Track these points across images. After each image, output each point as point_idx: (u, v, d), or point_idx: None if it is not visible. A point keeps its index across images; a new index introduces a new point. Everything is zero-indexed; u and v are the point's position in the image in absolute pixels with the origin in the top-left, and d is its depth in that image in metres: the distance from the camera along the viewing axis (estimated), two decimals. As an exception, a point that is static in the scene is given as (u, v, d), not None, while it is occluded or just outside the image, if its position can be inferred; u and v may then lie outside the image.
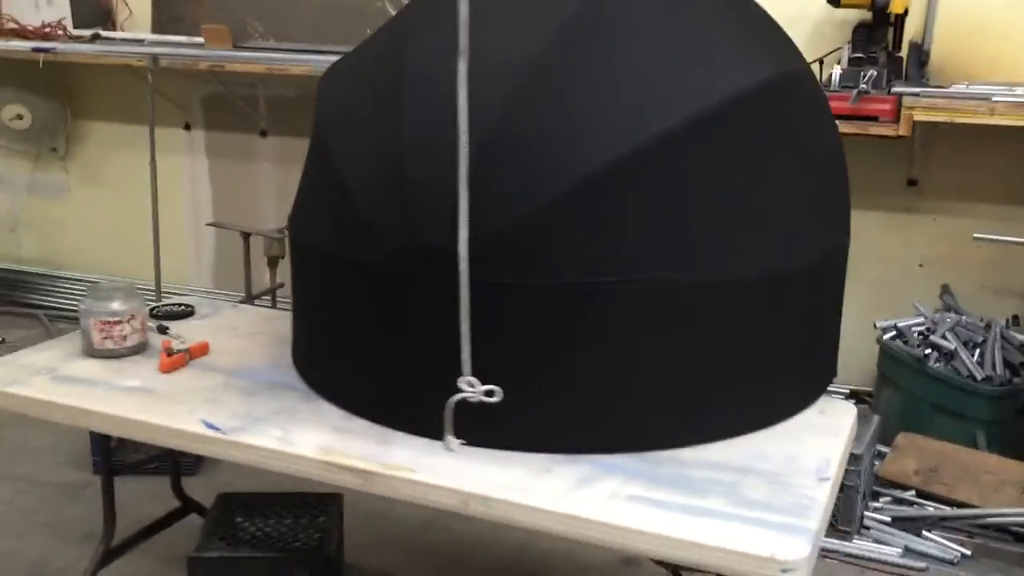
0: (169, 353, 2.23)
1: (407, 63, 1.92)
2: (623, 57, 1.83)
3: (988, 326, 3.29)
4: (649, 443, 1.82)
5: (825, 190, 2.05)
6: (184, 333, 2.39)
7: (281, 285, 3.89)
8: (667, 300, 1.78)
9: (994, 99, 3.04)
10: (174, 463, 2.75)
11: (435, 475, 1.73)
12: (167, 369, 2.18)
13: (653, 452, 1.81)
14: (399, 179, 1.82)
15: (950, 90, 3.23)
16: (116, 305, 2.25)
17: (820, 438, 1.91)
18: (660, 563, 1.91)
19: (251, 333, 2.46)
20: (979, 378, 3.10)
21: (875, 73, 3.13)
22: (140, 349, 2.29)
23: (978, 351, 3.19)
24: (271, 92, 4.46)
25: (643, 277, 1.75)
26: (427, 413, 1.81)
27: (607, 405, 1.80)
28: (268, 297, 3.96)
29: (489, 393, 1.68)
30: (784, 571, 1.48)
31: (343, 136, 1.99)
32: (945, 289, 3.59)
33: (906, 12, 3.32)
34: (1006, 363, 3.14)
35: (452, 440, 1.77)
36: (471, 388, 1.68)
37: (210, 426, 1.92)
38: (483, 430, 1.80)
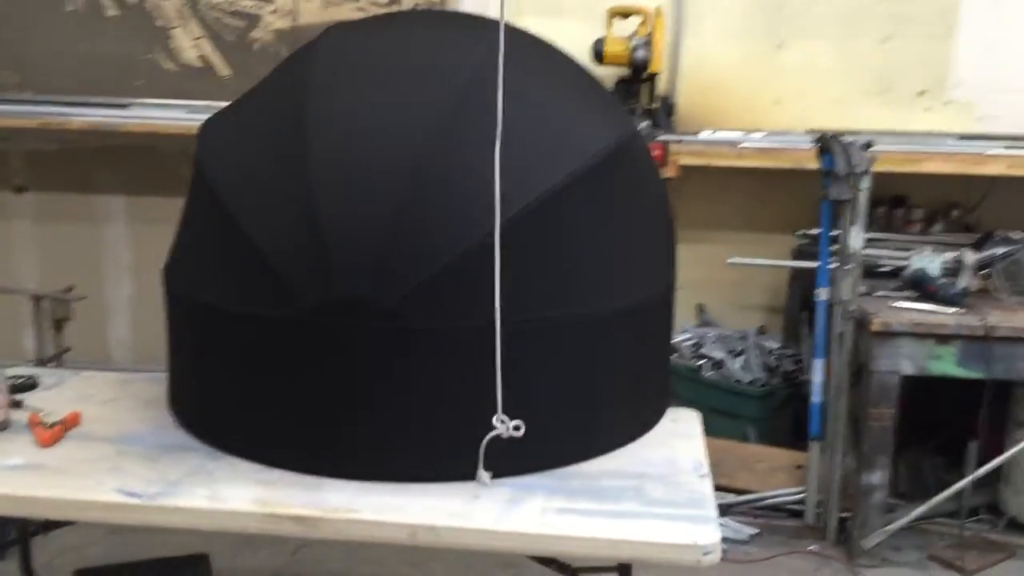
0: (46, 426, 2.17)
1: (307, 118, 2.04)
2: (511, 123, 2.07)
3: (744, 337, 3.83)
4: (555, 461, 2.06)
5: (661, 232, 2.40)
6: (40, 405, 2.31)
7: (68, 349, 3.72)
8: (561, 334, 2.04)
9: (740, 145, 3.59)
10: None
11: (378, 512, 1.86)
12: (48, 443, 2.12)
13: (559, 469, 2.05)
14: (315, 234, 1.92)
15: (701, 137, 3.76)
16: (-26, 381, 2.16)
17: (683, 442, 2.24)
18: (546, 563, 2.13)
19: (111, 399, 2.41)
20: (746, 381, 3.62)
21: (648, 123, 3.59)
22: (3, 427, 2.20)
23: (741, 359, 3.72)
24: (30, 146, 4.24)
25: (540, 316, 2.00)
26: (354, 457, 1.95)
27: (528, 430, 2.02)
28: (54, 363, 3.76)
29: (517, 428, 1.84)
30: (705, 554, 1.78)
31: (243, 193, 2.05)
32: (701, 308, 4.12)
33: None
34: (764, 367, 3.69)
35: (484, 474, 1.92)
36: (502, 424, 1.84)
37: (130, 493, 1.92)
38: (406, 463, 1.97)
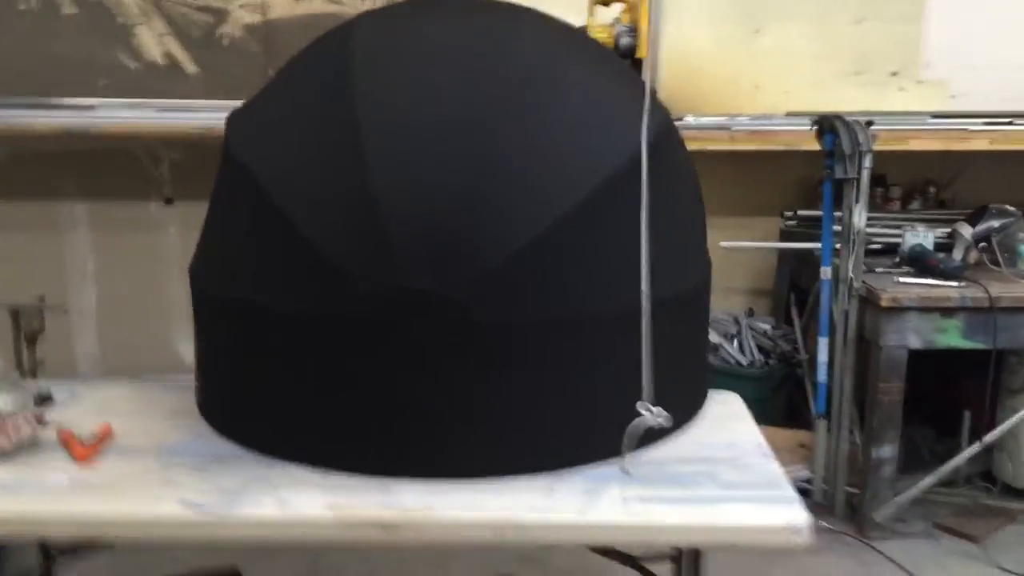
0: (81, 441, 2.05)
1: (357, 106, 1.95)
2: (562, 114, 2.03)
3: (736, 320, 3.86)
4: (608, 450, 2.02)
5: (699, 216, 2.38)
6: (61, 420, 2.19)
7: (41, 362, 3.55)
8: (624, 321, 2.00)
9: (733, 128, 3.61)
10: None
11: (460, 511, 1.81)
12: (87, 458, 2.01)
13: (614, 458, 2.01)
14: (376, 225, 1.85)
15: (687, 122, 3.77)
16: (6, 397, 2.03)
17: (738, 423, 2.24)
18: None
19: (136, 410, 2.29)
20: (744, 364, 3.64)
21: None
22: (32, 444, 2.08)
23: (735, 341, 3.74)
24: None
25: (613, 303, 1.96)
26: (421, 456, 1.89)
27: (591, 421, 1.99)
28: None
29: (666, 418, 1.81)
30: (798, 534, 1.77)
31: (291, 186, 1.94)
32: (687, 293, 4.14)
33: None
34: (760, 348, 3.72)
35: (627, 462, 1.88)
36: (650, 412, 1.79)
37: (196, 506, 1.83)
38: (469, 460, 1.91)
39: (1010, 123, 3.68)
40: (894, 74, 4.00)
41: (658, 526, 1.78)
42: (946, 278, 3.12)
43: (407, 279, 1.84)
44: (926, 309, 3.05)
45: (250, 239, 2.05)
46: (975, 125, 3.65)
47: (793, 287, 3.93)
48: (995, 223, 3.24)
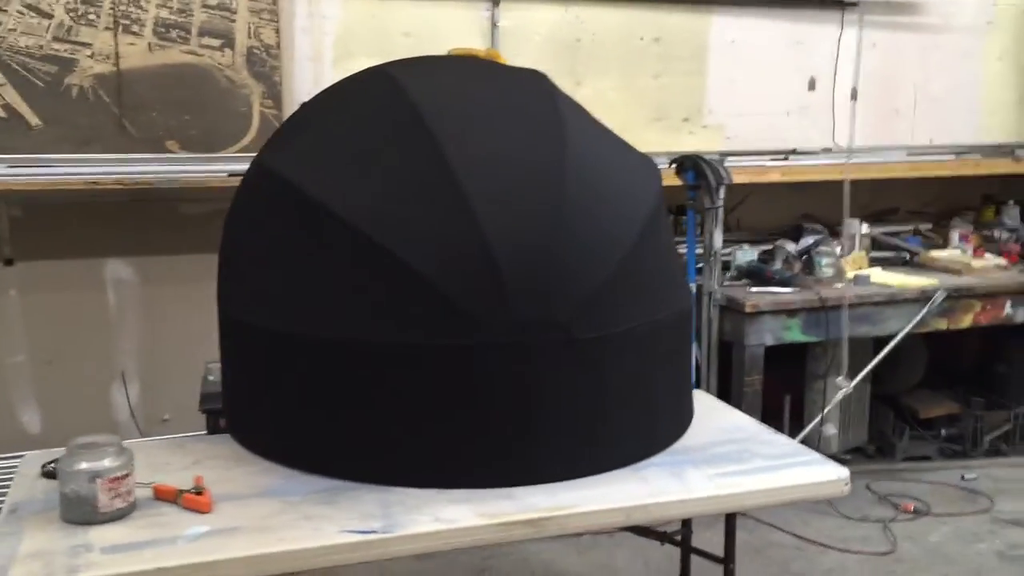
0: (197, 492, 2.07)
1: (446, 149, 2.18)
2: (602, 162, 2.40)
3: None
4: (664, 443, 2.41)
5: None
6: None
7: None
8: (663, 333, 2.40)
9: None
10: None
11: (590, 504, 2.10)
12: (210, 508, 2.05)
13: (670, 447, 2.40)
14: (487, 261, 2.09)
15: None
16: (116, 459, 2.01)
17: (723, 412, 2.72)
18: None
19: (194, 462, 2.32)
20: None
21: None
22: (137, 504, 2.06)
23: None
24: None
25: (663, 312, 2.35)
26: (535, 462, 2.17)
27: (655, 415, 2.36)
28: None
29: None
30: (846, 484, 2.26)
31: (390, 225, 2.12)
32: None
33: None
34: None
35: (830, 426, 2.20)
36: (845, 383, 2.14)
37: (362, 532, 1.96)
38: (573, 462, 2.22)
39: (785, 159, 4.52)
40: (685, 120, 4.71)
41: (746, 492, 2.20)
42: (782, 286, 3.81)
43: (519, 309, 2.12)
44: (775, 312, 3.72)
45: (346, 279, 2.17)
46: (743, 161, 4.41)
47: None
48: (810, 239, 4.01)
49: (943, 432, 4.45)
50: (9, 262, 3.88)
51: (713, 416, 2.65)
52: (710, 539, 2.59)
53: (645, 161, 2.54)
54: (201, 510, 2.04)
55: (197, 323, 4.10)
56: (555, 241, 2.16)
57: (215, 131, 3.94)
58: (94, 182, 3.55)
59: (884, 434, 4.40)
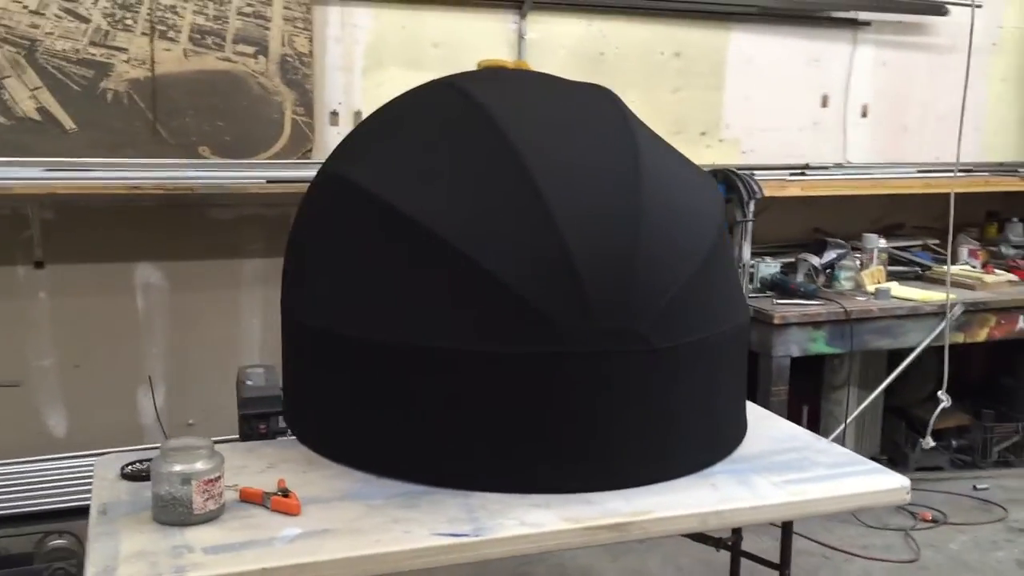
0: (283, 494, 2.11)
1: (527, 163, 2.24)
2: (671, 178, 2.46)
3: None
4: (726, 451, 2.47)
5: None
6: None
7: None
8: (727, 345, 2.46)
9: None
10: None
11: (667, 509, 2.16)
12: (299, 511, 2.08)
13: (729, 456, 2.46)
14: (570, 272, 2.15)
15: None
16: (209, 461, 2.04)
17: (773, 421, 2.79)
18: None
19: (269, 466, 2.34)
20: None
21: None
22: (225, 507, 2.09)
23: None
24: None
25: (727, 324, 2.42)
26: (628, 467, 2.23)
27: (716, 423, 2.42)
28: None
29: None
30: (907, 492, 2.33)
31: (476, 237, 2.17)
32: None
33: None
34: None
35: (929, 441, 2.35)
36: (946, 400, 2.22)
37: (454, 535, 2.00)
38: (648, 467, 2.27)
39: (802, 173, 4.62)
40: (703, 133, 4.80)
41: (813, 499, 2.27)
42: (807, 298, 3.90)
43: (601, 318, 2.18)
44: (802, 324, 3.80)
45: (430, 287, 2.21)
46: (788, 175, 4.52)
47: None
48: (833, 253, 4.11)
49: (954, 443, 4.56)
50: (39, 264, 3.88)
51: (764, 425, 2.71)
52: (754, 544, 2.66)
53: (707, 176, 2.61)
54: (290, 512, 2.07)
55: (224, 328, 4.15)
56: (635, 252, 2.22)
57: (247, 137, 3.97)
58: (135, 187, 3.55)
59: (897, 445, 4.50)
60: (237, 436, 2.70)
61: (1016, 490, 4.28)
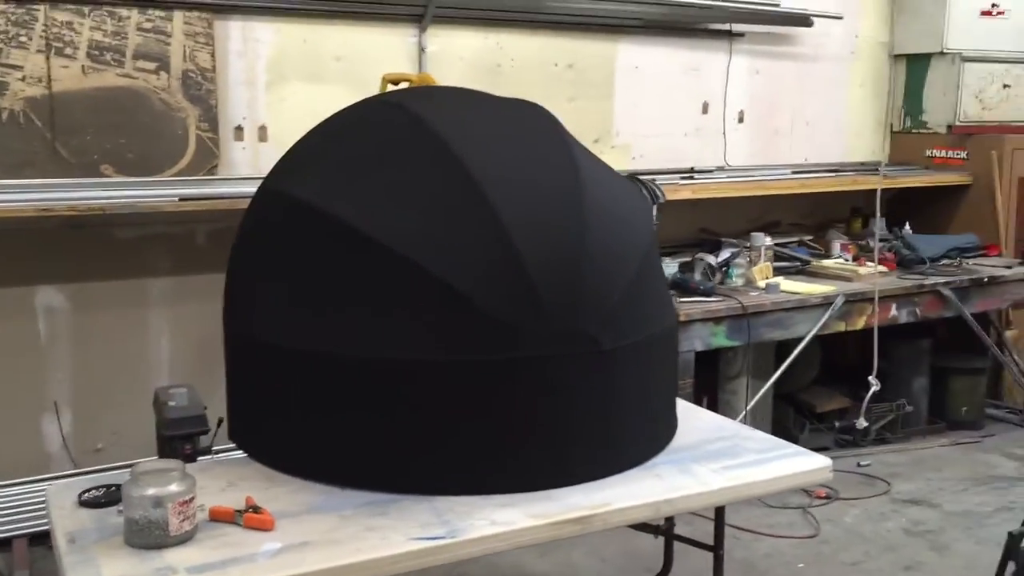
0: (255, 511, 2.14)
1: (474, 174, 2.33)
2: (609, 188, 2.60)
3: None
4: (664, 441, 2.63)
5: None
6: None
7: None
8: (666, 342, 2.62)
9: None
10: None
11: (623, 500, 2.30)
12: (273, 526, 2.12)
13: (665, 448, 2.62)
14: (523, 279, 2.26)
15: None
16: (182, 483, 2.06)
17: (699, 413, 2.97)
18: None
19: (228, 485, 2.36)
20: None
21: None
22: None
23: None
24: None
25: (656, 330, 2.57)
26: (583, 463, 2.36)
27: (655, 416, 2.58)
28: None
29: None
30: (831, 471, 2.54)
31: (428, 246, 2.25)
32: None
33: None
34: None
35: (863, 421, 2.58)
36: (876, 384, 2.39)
37: (430, 538, 2.08)
38: (591, 463, 2.41)
39: (691, 177, 4.87)
40: (596, 141, 4.98)
41: (752, 482, 2.45)
42: (706, 296, 4.13)
43: (554, 322, 2.30)
44: (704, 320, 4.03)
45: (386, 298, 2.28)
46: (679, 179, 4.76)
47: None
48: (727, 252, 4.36)
49: (836, 424, 4.89)
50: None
51: (690, 417, 2.89)
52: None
53: (635, 186, 2.77)
54: (264, 528, 2.11)
55: (131, 349, 4.07)
56: (581, 257, 2.35)
57: (151, 155, 3.92)
58: (46, 208, 3.46)
59: (787, 428, 4.80)
60: (155, 458, 2.67)
61: (895, 464, 4.63)
